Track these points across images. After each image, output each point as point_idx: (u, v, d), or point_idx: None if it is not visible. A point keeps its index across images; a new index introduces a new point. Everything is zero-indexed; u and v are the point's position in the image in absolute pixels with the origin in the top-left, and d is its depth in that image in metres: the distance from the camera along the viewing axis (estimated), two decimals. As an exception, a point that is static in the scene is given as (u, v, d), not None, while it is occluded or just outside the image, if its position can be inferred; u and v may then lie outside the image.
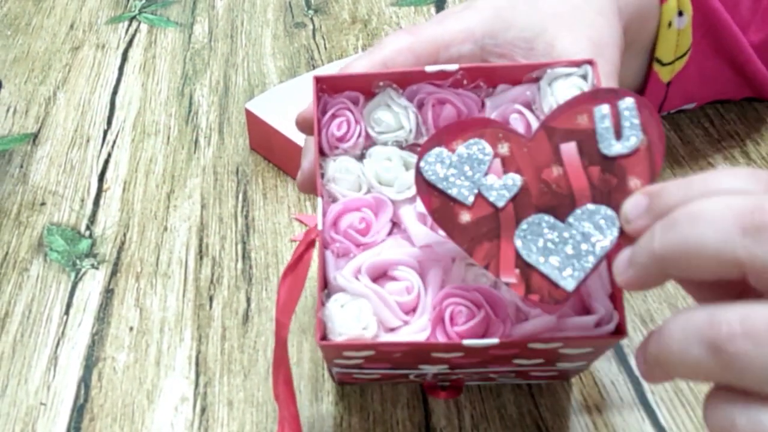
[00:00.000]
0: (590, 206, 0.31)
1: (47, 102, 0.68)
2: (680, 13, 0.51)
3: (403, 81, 0.39)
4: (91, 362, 0.47)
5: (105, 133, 0.64)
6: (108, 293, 0.51)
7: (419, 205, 0.38)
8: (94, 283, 0.52)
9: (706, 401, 0.27)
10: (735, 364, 0.25)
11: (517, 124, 0.38)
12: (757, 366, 0.24)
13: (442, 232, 0.33)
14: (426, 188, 0.34)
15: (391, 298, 0.35)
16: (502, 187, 0.33)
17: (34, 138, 0.64)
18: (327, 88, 0.39)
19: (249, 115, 0.60)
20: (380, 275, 0.37)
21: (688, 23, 0.52)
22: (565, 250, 0.31)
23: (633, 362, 0.45)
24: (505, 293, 0.35)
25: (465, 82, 0.39)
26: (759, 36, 0.55)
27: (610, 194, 0.31)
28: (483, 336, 0.34)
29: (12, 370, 0.47)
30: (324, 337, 0.34)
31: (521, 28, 0.43)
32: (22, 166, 0.62)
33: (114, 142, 0.63)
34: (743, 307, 0.25)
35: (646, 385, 0.43)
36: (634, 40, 0.49)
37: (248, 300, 0.50)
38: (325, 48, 0.73)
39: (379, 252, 0.37)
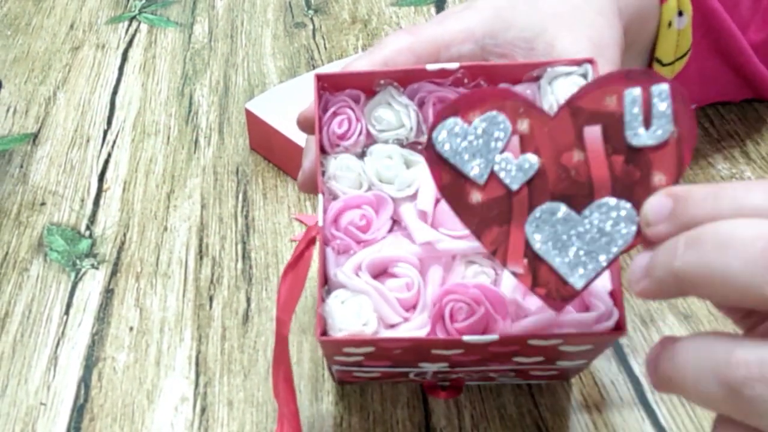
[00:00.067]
0: (610, 201, 0.30)
1: (47, 102, 0.68)
2: (680, 13, 0.51)
3: (404, 79, 0.39)
4: (91, 362, 0.47)
5: (105, 133, 0.64)
6: (108, 293, 0.51)
7: (419, 203, 0.38)
8: (94, 283, 0.52)
9: (714, 430, 0.27)
10: (750, 408, 0.24)
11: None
12: None
13: (443, 229, 0.33)
14: (437, 162, 0.32)
15: (391, 295, 0.35)
16: (517, 168, 0.31)
17: (34, 138, 0.64)
18: (328, 86, 0.39)
19: (249, 115, 0.60)
20: (381, 272, 0.37)
21: (688, 23, 0.52)
22: (578, 245, 0.30)
23: (633, 362, 0.45)
24: (506, 291, 0.35)
25: (466, 80, 0.39)
26: (759, 36, 0.55)
27: (632, 188, 0.30)
28: (483, 333, 0.34)
29: (12, 370, 0.47)
30: (324, 333, 0.34)
31: (521, 28, 0.43)
32: (22, 166, 0.62)
33: (114, 142, 0.63)
34: (764, 349, 0.24)
35: (645, 385, 0.43)
36: (634, 41, 0.49)
37: (248, 300, 0.50)
38: (325, 48, 0.73)
39: (380, 249, 0.37)
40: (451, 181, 0.32)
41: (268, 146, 0.60)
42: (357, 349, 0.35)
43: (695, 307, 0.47)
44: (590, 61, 0.38)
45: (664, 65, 0.53)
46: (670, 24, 0.51)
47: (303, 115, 0.41)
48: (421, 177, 0.38)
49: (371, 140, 0.40)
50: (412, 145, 0.40)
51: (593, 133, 0.31)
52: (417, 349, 0.35)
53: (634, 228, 0.29)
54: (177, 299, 0.50)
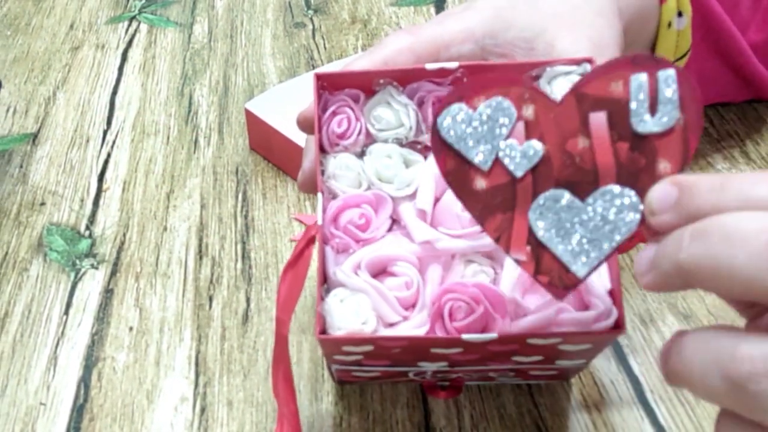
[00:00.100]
0: (614, 188, 0.29)
1: (47, 102, 0.68)
2: (680, 14, 0.51)
3: (404, 79, 0.39)
4: (90, 362, 0.47)
5: (105, 133, 0.64)
6: (108, 293, 0.51)
7: (419, 202, 0.38)
8: (93, 283, 0.52)
9: (717, 423, 0.27)
10: (754, 403, 0.24)
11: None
12: None
13: (442, 228, 0.33)
14: (441, 147, 0.32)
15: (390, 294, 0.35)
16: (522, 155, 0.31)
17: (34, 138, 0.64)
18: (328, 85, 0.39)
19: (249, 115, 0.60)
20: (380, 271, 0.37)
21: (687, 24, 0.52)
22: (581, 233, 0.30)
23: (632, 362, 0.45)
24: (505, 290, 0.35)
25: (465, 80, 0.39)
26: (759, 36, 0.55)
27: (637, 175, 0.29)
28: (482, 332, 0.34)
29: (12, 370, 0.47)
30: (323, 332, 0.34)
31: (521, 29, 0.43)
32: (21, 166, 0.62)
33: (114, 142, 0.63)
34: None
35: (645, 385, 0.43)
36: (634, 41, 0.49)
37: (248, 300, 0.50)
38: (325, 48, 0.73)
39: (379, 248, 0.37)
40: (456, 167, 0.31)
41: (267, 146, 0.60)
42: (356, 348, 0.35)
43: (695, 307, 0.47)
44: (589, 61, 0.38)
45: (663, 65, 0.53)
46: (669, 24, 0.51)
47: (302, 115, 0.41)
48: (421, 176, 0.39)
49: (371, 139, 0.40)
50: (412, 145, 0.40)
51: (599, 119, 0.30)
52: (416, 348, 0.35)
53: (637, 216, 0.29)
54: (177, 299, 0.50)
